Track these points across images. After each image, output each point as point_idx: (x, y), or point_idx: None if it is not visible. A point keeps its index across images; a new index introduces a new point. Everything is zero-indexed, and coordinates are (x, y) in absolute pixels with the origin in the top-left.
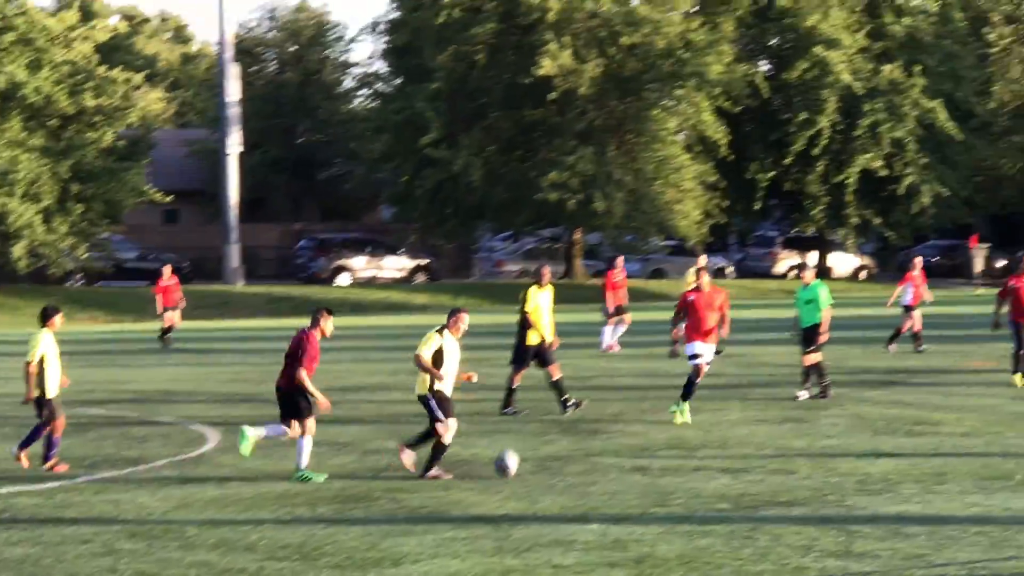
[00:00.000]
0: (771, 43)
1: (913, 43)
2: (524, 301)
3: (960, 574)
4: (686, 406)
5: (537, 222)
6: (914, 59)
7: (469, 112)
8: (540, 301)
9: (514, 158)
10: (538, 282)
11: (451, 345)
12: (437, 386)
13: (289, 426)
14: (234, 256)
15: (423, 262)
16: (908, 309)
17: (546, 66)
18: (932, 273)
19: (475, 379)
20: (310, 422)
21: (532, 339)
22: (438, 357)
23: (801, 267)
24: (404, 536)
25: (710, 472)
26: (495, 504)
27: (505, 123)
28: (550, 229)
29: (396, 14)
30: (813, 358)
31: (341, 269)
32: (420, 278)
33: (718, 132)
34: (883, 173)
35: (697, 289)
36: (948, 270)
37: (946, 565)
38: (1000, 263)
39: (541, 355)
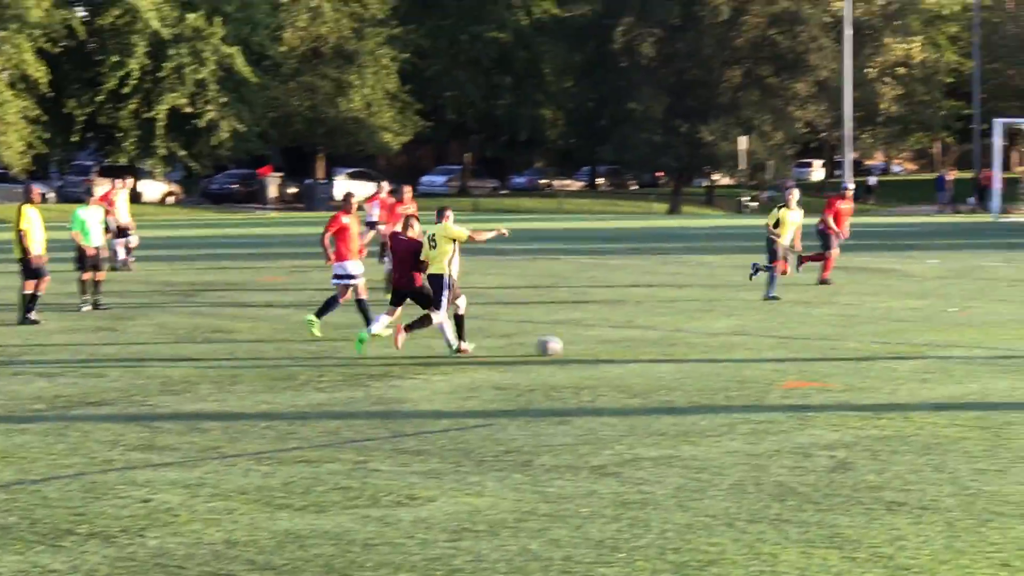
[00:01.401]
0: None
1: None
2: (18, 219)
3: (250, 462)
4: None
5: None
6: (216, 7)
7: None
8: (32, 217)
9: None
10: (28, 200)
11: None
12: (454, 274)
13: (391, 313)
14: None
15: None
16: (372, 225)
17: None
18: (230, 199)
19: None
20: (439, 309)
21: (31, 252)
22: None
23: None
24: None
25: (29, 376)
26: None
27: None
28: None
29: None
30: (102, 275)
31: None
32: None
33: (39, 71)
34: (188, 110)
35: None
36: (245, 196)
37: (238, 456)
38: (292, 190)
39: (35, 269)
